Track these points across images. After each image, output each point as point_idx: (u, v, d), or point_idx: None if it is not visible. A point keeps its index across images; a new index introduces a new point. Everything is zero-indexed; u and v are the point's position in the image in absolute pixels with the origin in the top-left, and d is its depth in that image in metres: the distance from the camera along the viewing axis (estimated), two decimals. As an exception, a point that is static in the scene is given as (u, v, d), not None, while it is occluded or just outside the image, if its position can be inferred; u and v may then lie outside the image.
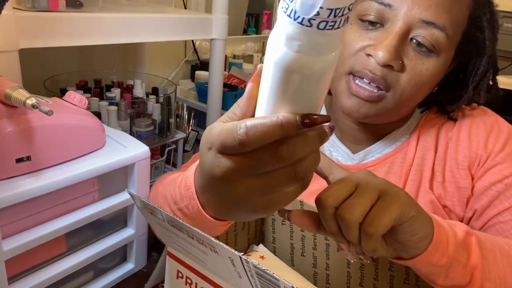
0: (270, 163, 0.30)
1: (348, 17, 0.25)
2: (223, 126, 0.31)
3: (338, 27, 0.25)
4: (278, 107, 0.30)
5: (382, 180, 0.41)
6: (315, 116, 0.29)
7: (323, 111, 0.72)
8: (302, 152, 0.30)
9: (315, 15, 0.24)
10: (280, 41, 0.27)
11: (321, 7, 0.24)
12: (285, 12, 0.25)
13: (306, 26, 0.25)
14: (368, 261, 0.44)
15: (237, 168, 0.31)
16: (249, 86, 0.33)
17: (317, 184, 0.62)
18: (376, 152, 0.66)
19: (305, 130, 0.29)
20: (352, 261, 0.45)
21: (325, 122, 0.30)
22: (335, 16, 0.24)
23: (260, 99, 0.31)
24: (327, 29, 0.25)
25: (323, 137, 0.31)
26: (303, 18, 0.25)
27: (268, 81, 0.29)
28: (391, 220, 0.37)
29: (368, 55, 0.55)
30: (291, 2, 0.25)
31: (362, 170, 0.42)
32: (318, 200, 0.39)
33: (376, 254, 0.41)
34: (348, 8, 0.25)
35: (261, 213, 0.34)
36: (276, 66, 0.28)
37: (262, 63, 0.31)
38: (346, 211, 0.37)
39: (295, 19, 0.25)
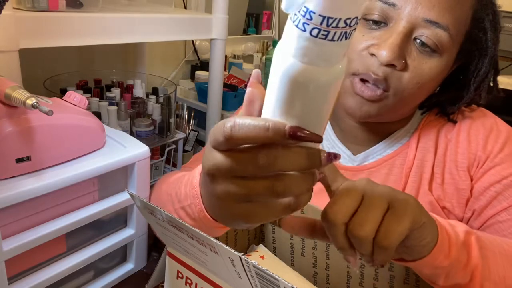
0: (249, 166, 0.30)
1: (346, 33, 0.25)
2: (221, 121, 0.32)
3: (332, 39, 0.25)
4: (275, 111, 0.30)
5: (387, 187, 0.39)
6: (306, 131, 0.28)
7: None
8: (284, 165, 0.29)
9: (308, 19, 0.24)
10: (281, 43, 0.28)
11: (313, 12, 0.24)
12: (290, 17, 0.26)
13: (301, 30, 0.25)
14: (377, 267, 0.43)
15: (219, 164, 0.31)
16: (248, 91, 0.33)
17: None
18: (377, 154, 0.66)
19: (292, 142, 0.28)
20: (357, 271, 0.43)
21: (314, 141, 0.29)
22: (328, 25, 0.24)
23: (264, 102, 0.31)
24: (320, 38, 0.25)
25: (314, 159, 0.29)
26: (299, 21, 0.25)
27: (269, 82, 0.30)
28: (405, 230, 0.36)
29: (372, 54, 0.55)
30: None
31: (362, 179, 0.40)
32: (325, 216, 0.37)
33: (387, 263, 0.40)
34: (345, 23, 0.24)
35: (240, 221, 0.34)
36: (273, 68, 0.28)
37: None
38: (359, 228, 0.35)
39: (293, 21, 0.25)
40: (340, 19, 0.24)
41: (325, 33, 0.25)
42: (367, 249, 0.36)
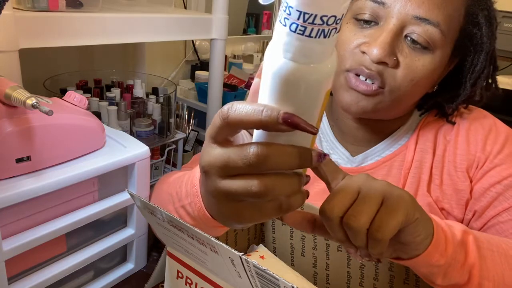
0: (240, 164, 0.30)
1: (324, 31, 0.25)
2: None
3: (310, 35, 0.25)
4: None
5: (383, 182, 0.40)
6: (299, 118, 0.28)
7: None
8: (274, 163, 0.29)
9: (288, 14, 0.25)
10: (271, 41, 0.29)
11: (291, 7, 0.25)
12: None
13: (283, 25, 0.26)
14: (374, 262, 0.44)
15: (213, 161, 0.32)
16: (255, 81, 0.33)
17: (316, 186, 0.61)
18: (375, 155, 0.66)
19: (285, 130, 0.28)
20: (360, 261, 0.44)
21: (308, 131, 0.28)
22: (304, 21, 0.25)
23: (259, 99, 0.32)
24: (298, 33, 0.26)
25: (305, 158, 0.30)
26: (281, 17, 0.26)
27: (262, 80, 0.31)
28: (398, 224, 0.37)
29: (363, 52, 0.55)
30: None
31: (361, 174, 0.41)
32: (322, 211, 0.38)
33: (382, 256, 0.41)
34: (322, 20, 0.25)
35: (231, 220, 0.34)
36: (265, 66, 0.29)
37: (262, 63, 0.32)
38: (352, 219, 0.37)
39: (278, 18, 0.27)
40: (316, 15, 0.25)
41: (302, 28, 0.25)
42: (361, 240, 0.37)
